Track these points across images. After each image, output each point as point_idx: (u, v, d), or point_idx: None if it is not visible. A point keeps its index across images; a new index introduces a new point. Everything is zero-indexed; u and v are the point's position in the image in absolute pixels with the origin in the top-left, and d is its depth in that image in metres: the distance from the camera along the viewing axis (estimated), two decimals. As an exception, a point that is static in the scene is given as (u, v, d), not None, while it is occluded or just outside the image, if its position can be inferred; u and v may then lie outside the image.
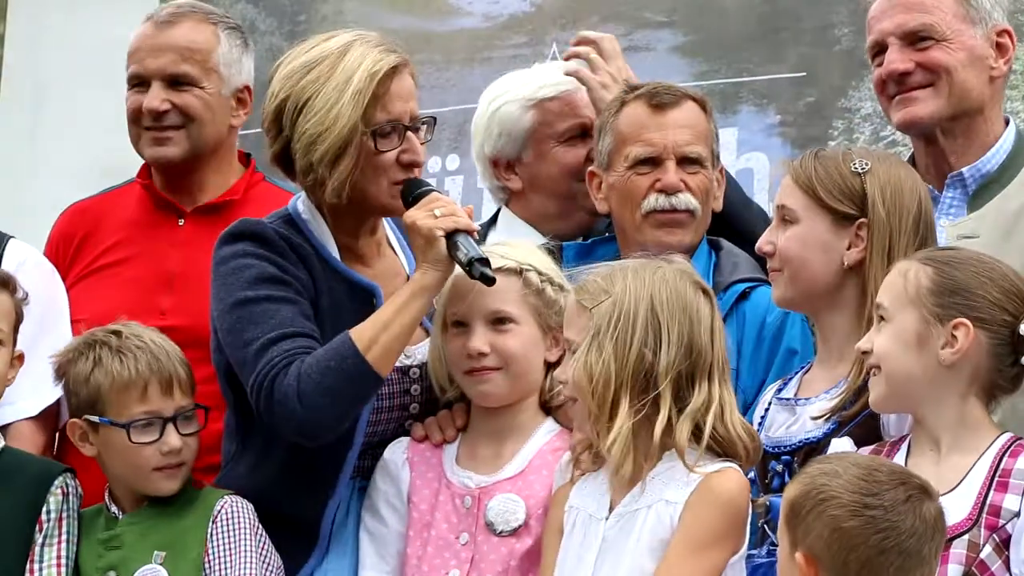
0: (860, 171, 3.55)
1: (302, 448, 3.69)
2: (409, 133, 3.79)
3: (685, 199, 4.04)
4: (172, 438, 3.75)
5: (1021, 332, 3.26)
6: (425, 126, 3.82)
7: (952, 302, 3.27)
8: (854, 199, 3.54)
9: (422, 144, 3.83)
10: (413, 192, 3.75)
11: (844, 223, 3.55)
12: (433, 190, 3.77)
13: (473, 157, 4.56)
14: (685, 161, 4.06)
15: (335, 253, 3.83)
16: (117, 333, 3.81)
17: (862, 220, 3.53)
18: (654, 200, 4.04)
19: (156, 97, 4.33)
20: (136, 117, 4.37)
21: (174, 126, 4.34)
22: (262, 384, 3.61)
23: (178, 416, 3.76)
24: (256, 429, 3.78)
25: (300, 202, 3.86)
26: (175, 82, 4.34)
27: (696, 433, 3.36)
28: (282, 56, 3.86)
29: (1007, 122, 4.11)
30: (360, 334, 3.62)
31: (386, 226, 3.97)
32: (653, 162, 4.06)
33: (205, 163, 4.40)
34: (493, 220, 4.55)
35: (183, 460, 3.77)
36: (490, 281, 3.61)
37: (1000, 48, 4.06)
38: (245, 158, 4.53)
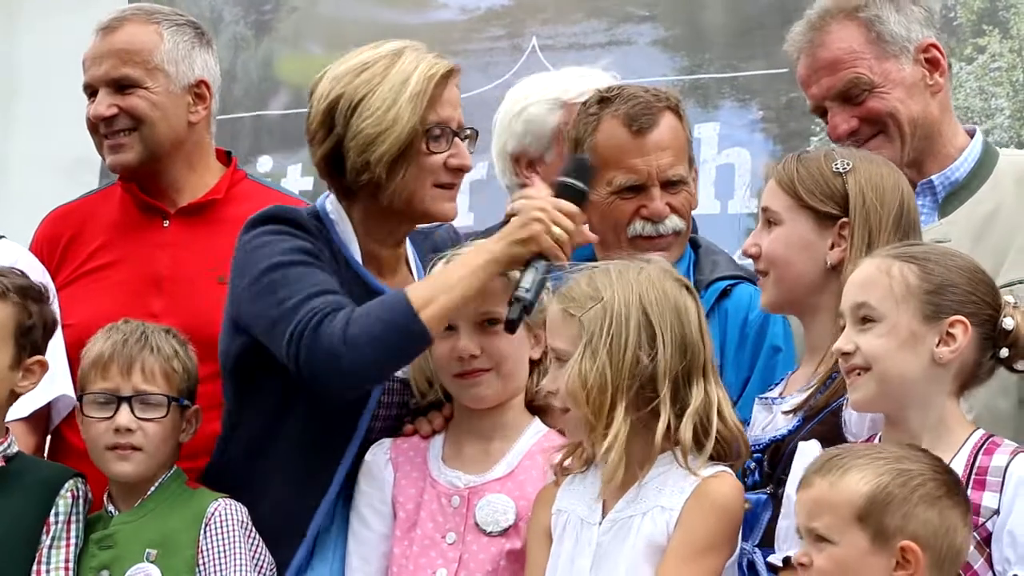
0: (842, 171, 3.55)
1: (304, 439, 3.70)
2: (456, 139, 3.82)
3: (671, 223, 4.04)
4: (122, 417, 3.75)
5: (1004, 326, 3.25)
6: (468, 139, 3.86)
7: (943, 299, 3.24)
8: (836, 199, 3.54)
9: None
10: (574, 183, 3.66)
11: (826, 223, 3.55)
12: (584, 197, 3.69)
13: (493, 155, 4.58)
14: (668, 184, 4.04)
15: (358, 257, 3.82)
16: (125, 320, 3.88)
17: (844, 220, 3.53)
18: (640, 226, 4.03)
19: (102, 103, 4.35)
20: (93, 126, 4.39)
21: (125, 130, 4.34)
22: (305, 327, 3.57)
23: (135, 397, 3.76)
24: (258, 417, 3.78)
25: (328, 202, 3.86)
26: (120, 86, 4.34)
27: (696, 434, 3.34)
28: (326, 69, 3.84)
29: (972, 133, 4.12)
30: (417, 292, 3.59)
31: (407, 242, 3.97)
32: (636, 188, 4.03)
33: (171, 163, 4.39)
34: (507, 221, 4.49)
35: (137, 444, 3.76)
36: (511, 329, 3.58)
37: (931, 63, 4.06)
38: (226, 156, 4.52)
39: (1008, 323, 3.25)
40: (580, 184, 3.69)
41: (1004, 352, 3.26)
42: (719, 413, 3.36)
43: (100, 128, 4.36)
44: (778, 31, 5.58)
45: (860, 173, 3.55)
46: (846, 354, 3.28)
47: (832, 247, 3.54)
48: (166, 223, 4.37)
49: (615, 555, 3.35)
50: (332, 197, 3.86)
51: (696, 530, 3.30)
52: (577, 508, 3.42)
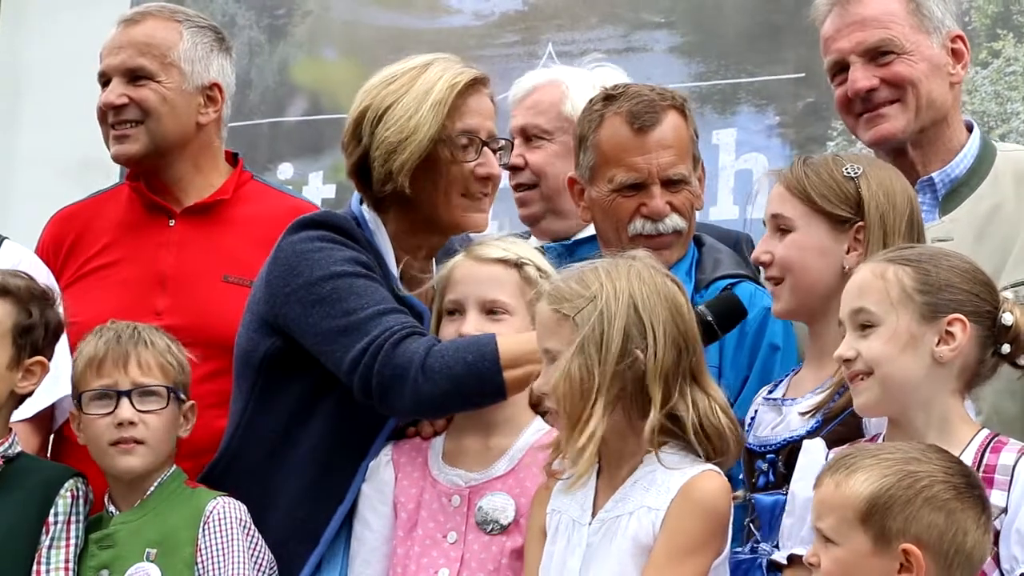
0: (853, 175, 3.56)
1: (322, 447, 3.70)
2: (486, 149, 3.82)
3: (671, 222, 4.05)
4: (124, 410, 3.75)
5: (1003, 322, 3.26)
6: (501, 151, 3.86)
7: (940, 299, 3.24)
8: (850, 203, 3.54)
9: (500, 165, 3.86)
10: (711, 322, 3.61)
11: (842, 227, 3.55)
12: (715, 337, 3.65)
13: None
14: (669, 182, 4.05)
15: (394, 268, 3.81)
16: (109, 322, 3.86)
17: (860, 223, 3.53)
18: (640, 225, 4.04)
19: (114, 92, 4.38)
20: (102, 115, 4.41)
21: (132, 121, 4.36)
22: (384, 342, 3.57)
23: (134, 391, 3.77)
24: (276, 419, 3.75)
25: (365, 209, 3.85)
26: (134, 76, 4.38)
27: (683, 429, 3.32)
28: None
29: (970, 128, 4.13)
30: (508, 347, 3.56)
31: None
32: (637, 186, 4.04)
33: (175, 160, 4.41)
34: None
35: (140, 437, 3.76)
36: None
37: (956, 54, 4.09)
38: (233, 158, 4.53)
39: (1007, 319, 3.26)
40: (715, 327, 3.65)
41: (1006, 348, 3.27)
42: (711, 411, 3.33)
43: (108, 117, 4.39)
44: (793, 36, 5.59)
45: (871, 177, 3.56)
46: (848, 360, 3.28)
47: (848, 251, 3.54)
48: (172, 222, 4.38)
49: (603, 555, 3.32)
50: (367, 206, 3.85)
51: (681, 530, 3.26)
52: (570, 509, 3.41)
